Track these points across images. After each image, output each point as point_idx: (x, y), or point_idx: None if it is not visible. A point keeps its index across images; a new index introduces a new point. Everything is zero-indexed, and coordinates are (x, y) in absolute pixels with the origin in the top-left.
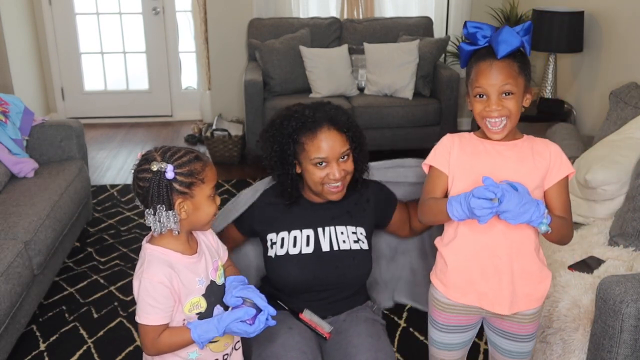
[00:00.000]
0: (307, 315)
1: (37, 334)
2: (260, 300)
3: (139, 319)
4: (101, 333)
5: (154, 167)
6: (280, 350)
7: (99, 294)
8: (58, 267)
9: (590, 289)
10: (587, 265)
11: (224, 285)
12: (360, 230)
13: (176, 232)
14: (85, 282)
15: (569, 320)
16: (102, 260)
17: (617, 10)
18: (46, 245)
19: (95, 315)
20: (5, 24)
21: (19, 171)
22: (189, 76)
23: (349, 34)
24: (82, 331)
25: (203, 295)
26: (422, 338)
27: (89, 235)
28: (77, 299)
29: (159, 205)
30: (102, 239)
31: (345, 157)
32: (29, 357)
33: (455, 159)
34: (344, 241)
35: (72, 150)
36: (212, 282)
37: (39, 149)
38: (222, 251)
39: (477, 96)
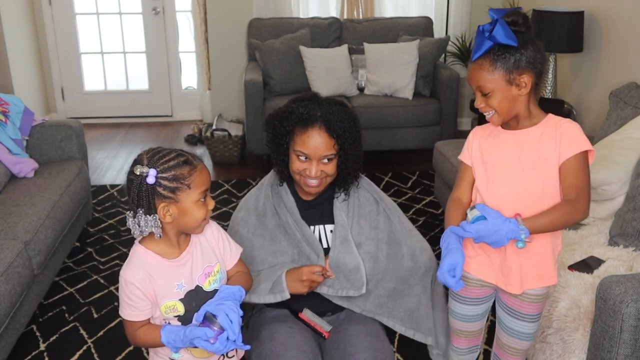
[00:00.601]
0: (306, 314)
1: (37, 334)
2: (226, 319)
3: (120, 312)
4: (101, 333)
5: (137, 171)
6: (280, 349)
7: (99, 294)
8: (58, 267)
9: (590, 289)
10: (587, 265)
11: (214, 291)
12: None
13: (158, 236)
14: (85, 282)
15: (569, 320)
16: (102, 260)
17: (617, 10)
18: (46, 245)
19: (95, 315)
20: (5, 24)
21: (19, 171)
22: (189, 76)
23: (349, 34)
24: (82, 331)
25: (181, 299)
26: None
27: (89, 235)
28: (77, 299)
29: (139, 209)
30: (102, 239)
31: (328, 160)
32: (29, 357)
33: (476, 151)
34: (320, 240)
35: (72, 150)
36: (198, 288)
37: (39, 149)
38: (230, 255)
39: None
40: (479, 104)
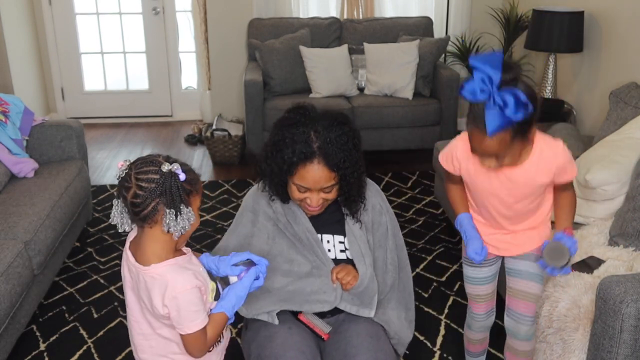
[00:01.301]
0: (306, 315)
1: (37, 334)
2: (253, 255)
3: (189, 329)
4: (101, 333)
5: (165, 168)
6: (279, 350)
7: (99, 294)
8: (58, 267)
9: (590, 289)
10: (587, 265)
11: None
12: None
13: (177, 235)
14: (85, 282)
15: (569, 320)
16: (102, 260)
17: (617, 10)
18: (46, 245)
19: (95, 315)
20: (5, 24)
21: (19, 171)
22: (189, 76)
23: (349, 34)
24: (82, 331)
25: (211, 279)
26: (422, 338)
27: (89, 235)
28: (77, 299)
29: (181, 205)
30: (102, 239)
31: (329, 189)
32: (29, 357)
33: (464, 170)
34: (329, 250)
35: (72, 150)
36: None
37: (39, 149)
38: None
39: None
40: (490, 165)
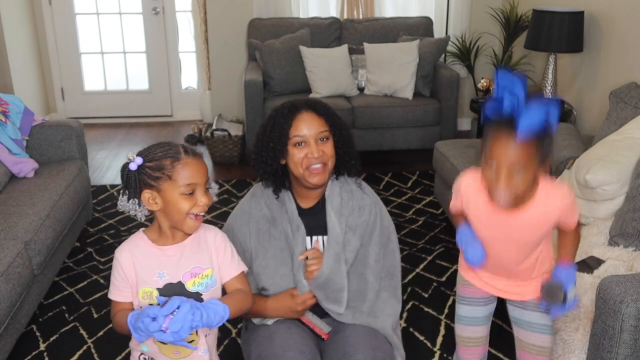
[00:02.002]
0: (306, 315)
1: (37, 334)
2: (175, 308)
3: (110, 294)
4: (101, 333)
5: (126, 158)
6: (278, 350)
7: (99, 294)
8: (58, 267)
9: (590, 289)
10: (587, 265)
11: (197, 294)
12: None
13: (139, 218)
14: (85, 282)
15: (569, 320)
16: (102, 260)
17: (617, 10)
18: (46, 245)
19: (95, 315)
20: (5, 24)
21: (19, 171)
22: (189, 76)
23: (349, 34)
24: (82, 331)
25: (159, 289)
26: (422, 338)
27: (89, 235)
28: (77, 299)
29: (126, 191)
30: (102, 239)
31: (325, 139)
32: (29, 357)
33: (465, 205)
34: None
35: (72, 150)
36: (179, 284)
37: (39, 149)
38: (229, 268)
39: (489, 162)
40: (505, 182)
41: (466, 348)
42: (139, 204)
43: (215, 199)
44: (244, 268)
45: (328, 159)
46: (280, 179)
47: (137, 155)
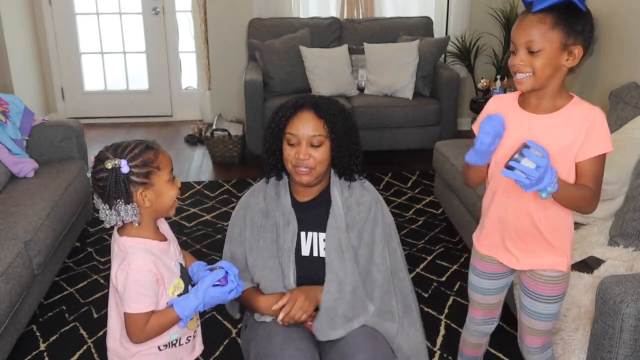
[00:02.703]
0: None
1: (37, 334)
2: (225, 263)
3: (130, 309)
4: (101, 333)
5: (108, 165)
6: (277, 348)
7: (99, 294)
8: (58, 267)
9: (590, 289)
10: (587, 265)
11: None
12: None
13: (137, 224)
14: (85, 282)
15: (569, 320)
16: (102, 260)
17: (617, 10)
18: (46, 245)
19: (95, 315)
20: (5, 24)
21: (19, 171)
22: (189, 76)
23: (349, 34)
24: (82, 331)
25: (180, 277)
26: None
27: (89, 235)
28: (77, 299)
29: (117, 200)
30: (102, 239)
31: (318, 144)
32: (29, 357)
33: None
34: (324, 248)
35: (72, 150)
36: (181, 265)
37: (39, 149)
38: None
39: (512, 52)
40: (519, 61)
41: (475, 309)
42: (134, 208)
43: None
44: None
45: (316, 164)
46: (278, 168)
47: (117, 159)
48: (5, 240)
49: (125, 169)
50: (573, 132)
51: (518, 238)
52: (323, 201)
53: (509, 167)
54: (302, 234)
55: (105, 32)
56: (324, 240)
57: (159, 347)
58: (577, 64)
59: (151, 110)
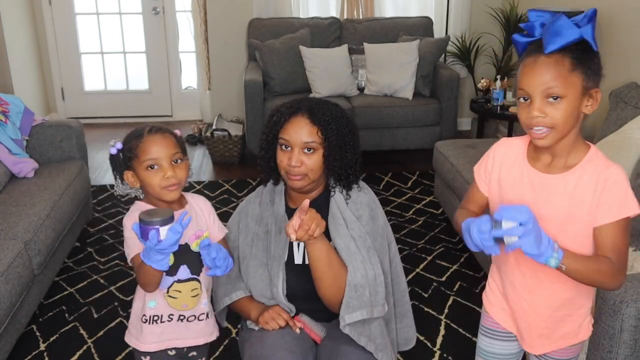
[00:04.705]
0: (303, 318)
1: (37, 334)
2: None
3: (129, 257)
4: (101, 333)
5: (111, 143)
6: (269, 350)
7: (99, 294)
8: (58, 267)
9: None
10: None
11: (198, 253)
12: None
13: (134, 195)
14: (85, 282)
15: None
16: (102, 260)
17: (617, 10)
18: (46, 245)
19: (95, 315)
20: (5, 24)
21: (19, 171)
22: (189, 76)
23: (349, 34)
24: (82, 331)
25: (175, 252)
26: (422, 338)
27: (89, 235)
28: (77, 299)
29: (115, 174)
30: (102, 239)
31: (310, 150)
32: (29, 357)
33: (494, 182)
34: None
35: (72, 150)
36: (186, 245)
37: (39, 149)
38: (217, 231)
39: (521, 99)
40: (538, 112)
41: None
42: (126, 186)
43: (190, 172)
44: (226, 230)
45: (308, 171)
46: (274, 172)
47: (116, 141)
48: (5, 240)
49: (112, 150)
50: (586, 194)
51: (527, 312)
52: (318, 208)
53: (497, 240)
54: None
55: (105, 32)
56: None
57: (142, 319)
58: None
59: (151, 110)
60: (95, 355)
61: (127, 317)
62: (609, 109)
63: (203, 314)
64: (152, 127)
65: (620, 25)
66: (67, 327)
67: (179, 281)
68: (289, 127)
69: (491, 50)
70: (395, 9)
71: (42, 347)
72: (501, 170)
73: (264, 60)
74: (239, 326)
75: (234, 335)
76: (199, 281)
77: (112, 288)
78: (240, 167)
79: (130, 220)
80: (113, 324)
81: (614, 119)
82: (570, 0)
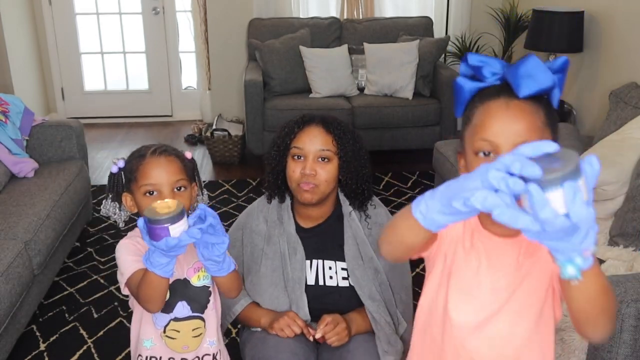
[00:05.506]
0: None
1: (37, 334)
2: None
3: (123, 277)
4: (101, 333)
5: (114, 161)
6: (271, 352)
7: (99, 294)
8: (58, 267)
9: None
10: None
11: (203, 287)
12: None
13: (120, 224)
14: (85, 282)
15: (568, 320)
16: (102, 260)
17: (617, 10)
18: (46, 245)
19: (95, 315)
20: (5, 24)
21: (19, 171)
22: (189, 76)
23: (349, 34)
24: (82, 331)
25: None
26: None
27: (89, 235)
28: (77, 299)
29: (107, 193)
30: (102, 239)
31: (325, 159)
32: (29, 357)
33: (450, 250)
34: (330, 277)
35: (72, 150)
36: (186, 280)
37: (39, 149)
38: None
39: (481, 153)
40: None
41: None
42: (119, 208)
43: (197, 199)
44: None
45: (321, 182)
46: (280, 189)
47: (118, 159)
48: (5, 240)
49: (114, 168)
50: (543, 257)
51: None
52: (328, 228)
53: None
54: (307, 262)
55: (105, 32)
56: (330, 268)
57: (138, 355)
58: None
59: (151, 110)
60: (95, 355)
61: (128, 317)
62: (609, 109)
63: (208, 355)
64: (158, 148)
65: (620, 25)
66: (67, 327)
67: (177, 319)
68: (302, 135)
69: (491, 50)
70: (395, 9)
71: (42, 347)
72: (458, 244)
73: (264, 60)
74: (239, 326)
75: (234, 335)
76: (202, 319)
77: (112, 288)
78: (240, 167)
79: (123, 245)
80: (113, 324)
81: (614, 119)
82: (570, 0)
